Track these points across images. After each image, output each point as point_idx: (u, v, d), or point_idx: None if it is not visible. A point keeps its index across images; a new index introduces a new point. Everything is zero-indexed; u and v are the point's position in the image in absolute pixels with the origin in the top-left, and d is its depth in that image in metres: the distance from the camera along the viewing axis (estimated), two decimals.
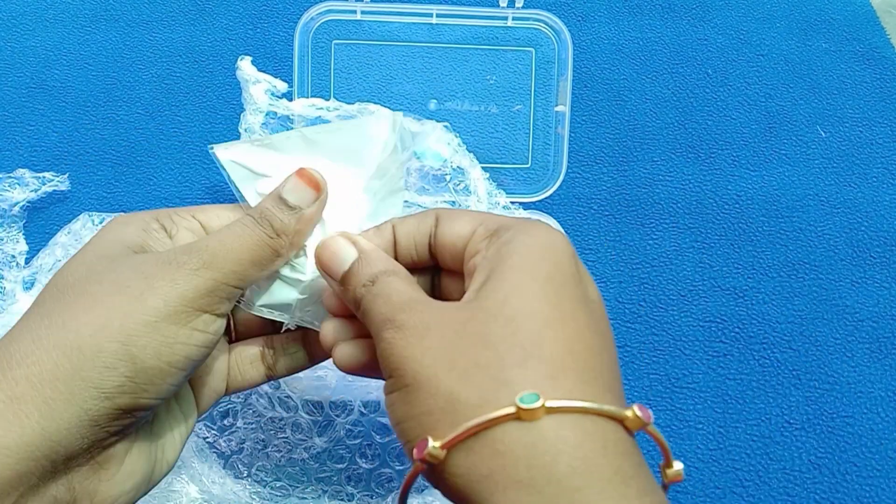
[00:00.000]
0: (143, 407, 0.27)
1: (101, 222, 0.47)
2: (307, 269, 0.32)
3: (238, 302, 0.33)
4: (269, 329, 0.35)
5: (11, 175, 0.51)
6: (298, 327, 0.34)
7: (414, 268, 0.30)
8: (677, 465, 0.23)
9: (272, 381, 0.43)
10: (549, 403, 0.21)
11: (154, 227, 0.31)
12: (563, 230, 0.48)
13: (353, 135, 0.35)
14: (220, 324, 0.29)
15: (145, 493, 0.30)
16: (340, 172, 0.34)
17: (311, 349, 0.34)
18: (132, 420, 0.27)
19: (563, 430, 0.21)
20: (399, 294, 0.26)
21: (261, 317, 0.33)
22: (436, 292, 0.31)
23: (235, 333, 0.35)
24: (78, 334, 0.26)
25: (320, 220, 0.32)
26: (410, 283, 0.27)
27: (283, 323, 0.34)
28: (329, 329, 0.30)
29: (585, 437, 0.21)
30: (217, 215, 0.33)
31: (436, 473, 0.22)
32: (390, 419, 0.25)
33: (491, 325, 0.23)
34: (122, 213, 0.32)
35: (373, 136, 0.35)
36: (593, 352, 0.23)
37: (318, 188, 0.31)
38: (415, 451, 0.22)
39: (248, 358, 0.34)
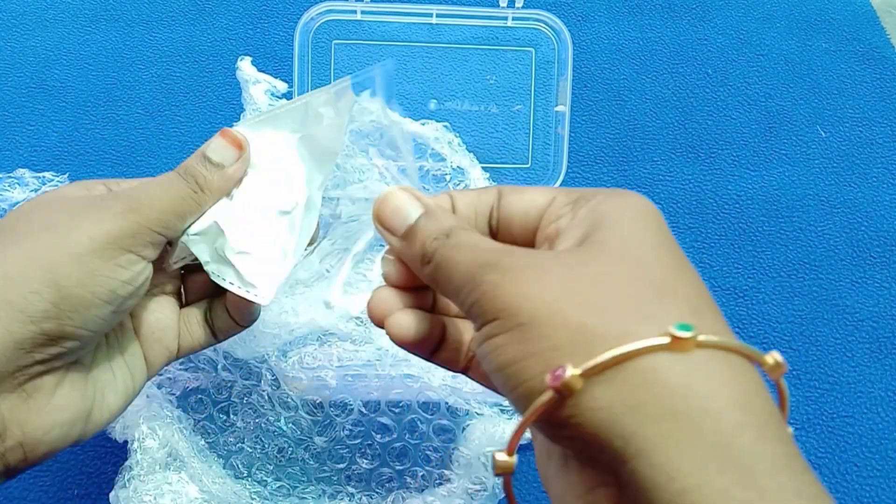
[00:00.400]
0: (70, 335, 0.28)
1: None
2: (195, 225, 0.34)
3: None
4: (215, 293, 0.37)
5: (11, 175, 0.51)
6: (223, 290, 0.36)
7: None
8: (789, 429, 0.21)
9: (272, 381, 0.43)
10: (701, 337, 0.20)
11: (99, 189, 0.33)
12: None
13: (297, 110, 0.36)
14: (145, 266, 0.31)
15: (84, 434, 0.31)
16: (281, 143, 0.36)
17: (232, 312, 0.36)
18: (61, 350, 0.28)
19: (717, 364, 0.20)
20: (486, 243, 0.25)
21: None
22: None
23: (186, 298, 0.37)
24: (4, 264, 0.27)
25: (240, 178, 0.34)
26: (487, 237, 0.26)
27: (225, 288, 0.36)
28: (383, 298, 0.28)
29: (739, 373, 0.20)
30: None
31: (563, 410, 0.20)
32: (494, 367, 0.22)
33: (616, 266, 0.22)
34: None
35: (311, 107, 0.36)
36: (714, 302, 0.22)
37: (240, 147, 0.34)
38: (548, 377, 0.20)
39: (195, 318, 0.36)
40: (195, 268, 0.35)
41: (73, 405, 0.30)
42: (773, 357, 0.21)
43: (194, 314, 0.36)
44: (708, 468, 0.18)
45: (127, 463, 0.39)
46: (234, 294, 0.34)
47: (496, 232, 0.29)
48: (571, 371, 0.19)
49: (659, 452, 0.18)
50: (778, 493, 0.18)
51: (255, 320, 0.37)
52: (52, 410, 0.29)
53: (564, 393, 0.20)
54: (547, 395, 0.20)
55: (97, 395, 0.31)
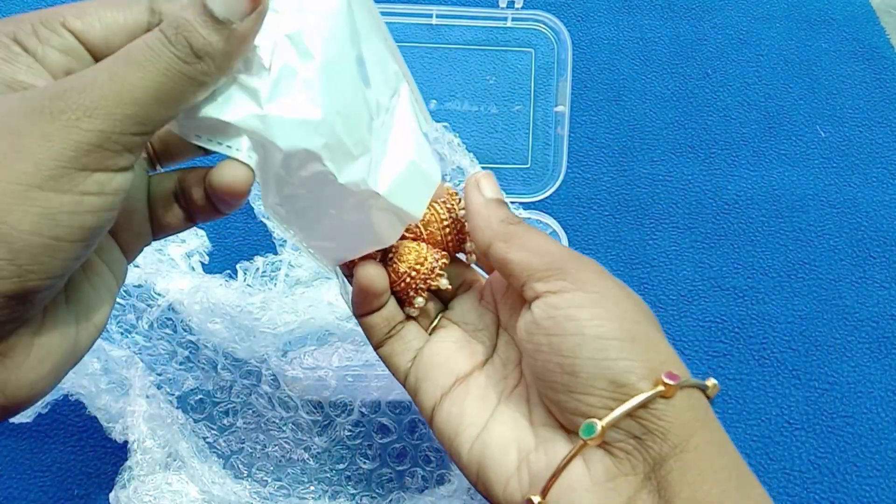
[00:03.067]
0: (36, 289, 0.22)
1: None
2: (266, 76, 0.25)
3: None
4: (193, 151, 0.29)
5: None
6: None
7: None
8: (710, 381, 0.28)
9: (272, 381, 0.43)
10: (681, 382, 0.26)
11: (17, 51, 0.23)
12: (562, 230, 0.48)
13: None
14: (124, 178, 0.23)
15: (72, 367, 0.26)
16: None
17: (221, 193, 0.26)
18: (29, 305, 0.22)
19: (692, 401, 0.27)
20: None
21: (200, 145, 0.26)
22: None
23: (157, 157, 0.29)
24: None
25: (255, 37, 0.24)
26: None
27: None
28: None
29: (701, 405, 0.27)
30: (100, 18, 0.24)
31: (652, 402, 0.27)
32: (589, 335, 0.27)
33: (638, 311, 0.28)
34: None
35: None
36: None
37: None
38: (665, 376, 0.26)
39: (162, 201, 0.28)
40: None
41: (56, 349, 0.24)
42: (711, 381, 0.29)
43: (159, 194, 0.28)
44: (722, 461, 0.26)
45: (127, 463, 0.39)
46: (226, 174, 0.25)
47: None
48: (681, 380, 0.26)
49: (712, 447, 0.26)
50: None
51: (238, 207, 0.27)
52: (34, 364, 0.24)
53: (666, 393, 0.26)
54: (658, 389, 0.26)
55: (82, 320, 0.26)
